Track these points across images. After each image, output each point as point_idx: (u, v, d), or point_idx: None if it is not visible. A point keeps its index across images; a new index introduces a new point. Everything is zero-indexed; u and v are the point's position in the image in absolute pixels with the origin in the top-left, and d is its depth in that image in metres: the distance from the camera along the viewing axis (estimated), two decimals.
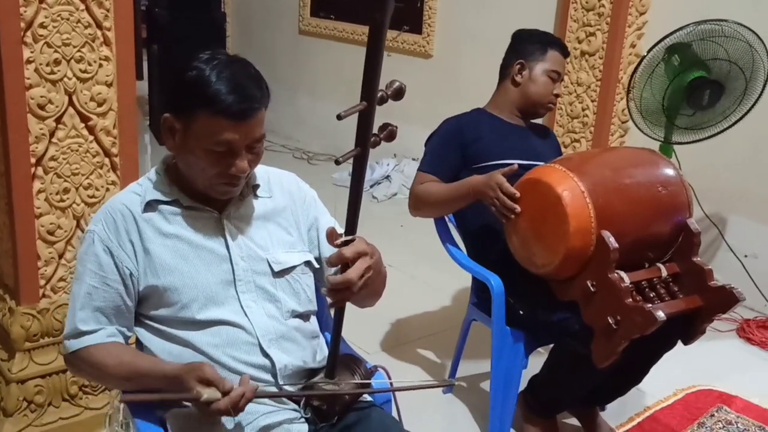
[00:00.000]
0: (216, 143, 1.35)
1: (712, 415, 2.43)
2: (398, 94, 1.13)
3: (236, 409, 1.25)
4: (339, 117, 1.08)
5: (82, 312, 1.42)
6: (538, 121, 2.51)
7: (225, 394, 1.25)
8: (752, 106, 2.69)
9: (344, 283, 1.25)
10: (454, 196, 2.19)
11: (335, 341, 1.34)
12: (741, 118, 2.73)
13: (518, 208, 1.98)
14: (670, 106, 2.79)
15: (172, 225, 1.43)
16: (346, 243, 1.25)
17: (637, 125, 2.92)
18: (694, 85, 2.73)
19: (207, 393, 1.24)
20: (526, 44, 2.36)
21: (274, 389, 1.41)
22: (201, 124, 1.34)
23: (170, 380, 1.31)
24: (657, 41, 2.77)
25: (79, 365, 1.44)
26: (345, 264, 1.26)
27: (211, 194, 1.44)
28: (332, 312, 1.34)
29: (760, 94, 2.67)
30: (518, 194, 1.98)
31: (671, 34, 2.73)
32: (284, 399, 1.43)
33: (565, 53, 2.40)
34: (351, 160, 1.16)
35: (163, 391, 1.33)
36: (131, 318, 1.45)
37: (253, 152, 1.40)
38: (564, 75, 2.39)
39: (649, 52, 2.80)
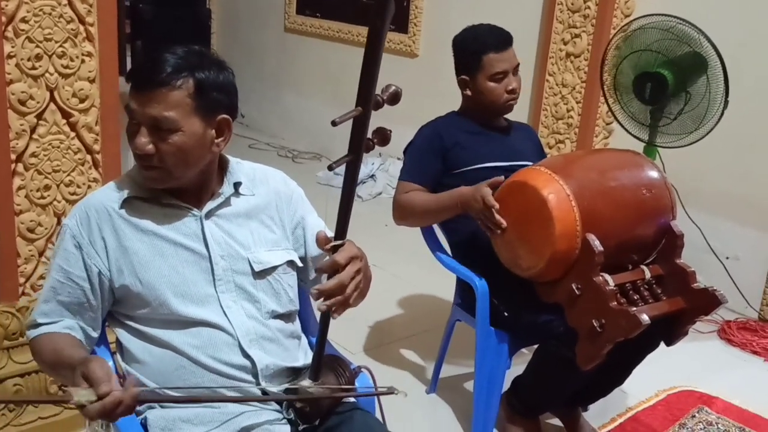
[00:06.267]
0: (125, 109, 1.35)
1: (693, 416, 2.45)
2: (394, 98, 1.10)
3: (108, 416, 1.12)
4: (333, 123, 1.04)
5: (45, 305, 1.41)
6: (521, 119, 2.49)
7: (101, 397, 1.10)
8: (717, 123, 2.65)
9: (337, 286, 1.23)
10: (441, 208, 2.17)
11: (320, 343, 1.33)
12: (714, 127, 2.69)
13: (504, 224, 1.95)
14: (619, 82, 2.75)
15: (151, 222, 1.42)
16: (335, 248, 1.24)
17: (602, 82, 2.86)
18: (649, 77, 2.65)
19: (79, 395, 1.10)
20: (461, 57, 2.31)
21: (256, 391, 1.40)
22: None
23: (73, 372, 1.19)
24: (665, 14, 2.63)
25: (33, 353, 1.43)
26: (336, 270, 1.25)
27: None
28: (318, 314, 1.32)
29: (722, 113, 2.63)
30: (497, 206, 1.95)
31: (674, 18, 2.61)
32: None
33: (503, 45, 2.25)
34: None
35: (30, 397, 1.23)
36: (96, 317, 1.43)
37: (159, 135, 1.34)
38: (512, 65, 2.26)
39: (641, 18, 2.70)
